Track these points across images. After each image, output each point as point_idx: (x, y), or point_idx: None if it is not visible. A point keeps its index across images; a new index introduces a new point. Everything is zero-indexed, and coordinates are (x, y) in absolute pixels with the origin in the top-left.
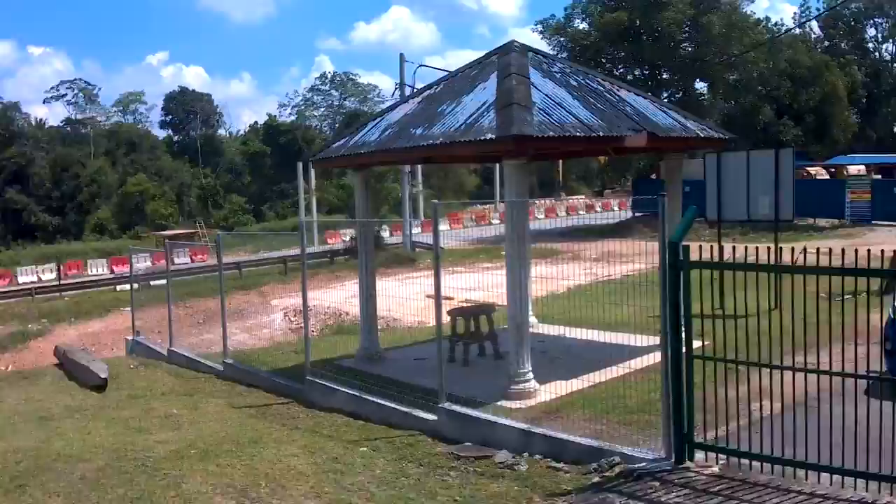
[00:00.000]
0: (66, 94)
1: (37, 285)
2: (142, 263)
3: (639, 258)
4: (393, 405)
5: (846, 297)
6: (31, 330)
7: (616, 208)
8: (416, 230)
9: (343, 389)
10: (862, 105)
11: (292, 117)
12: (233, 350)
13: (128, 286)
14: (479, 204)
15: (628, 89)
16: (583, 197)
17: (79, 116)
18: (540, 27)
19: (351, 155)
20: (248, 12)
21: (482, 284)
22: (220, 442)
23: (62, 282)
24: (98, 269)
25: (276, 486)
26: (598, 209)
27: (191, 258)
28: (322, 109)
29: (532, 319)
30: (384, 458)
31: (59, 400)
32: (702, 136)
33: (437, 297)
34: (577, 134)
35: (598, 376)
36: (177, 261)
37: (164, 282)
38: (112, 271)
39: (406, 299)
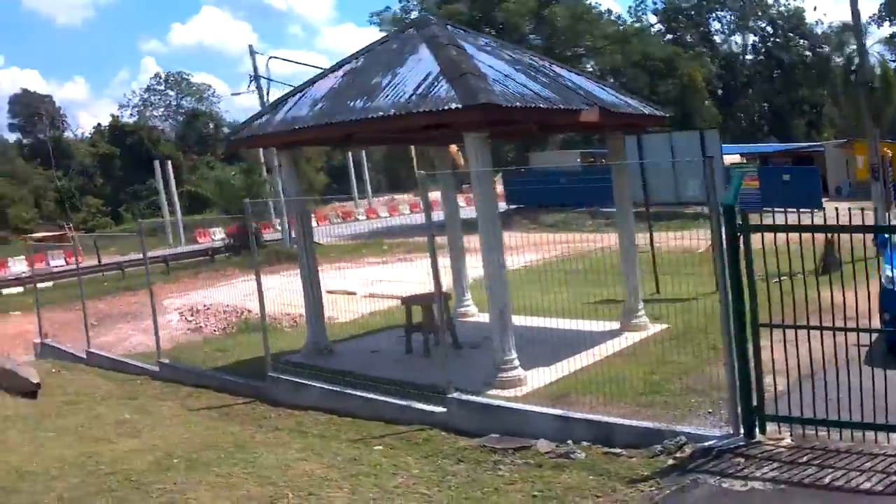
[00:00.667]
0: None
1: None
2: (19, 267)
3: (534, 249)
4: (385, 399)
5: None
6: None
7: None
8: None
9: (318, 385)
10: (719, 96)
11: (133, 118)
12: (134, 353)
13: (13, 290)
14: (338, 200)
15: (559, 65)
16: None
17: None
18: (377, 19)
19: (282, 132)
20: (69, 15)
21: (379, 277)
22: (198, 448)
23: None
24: None
25: (306, 494)
26: (462, 204)
27: (66, 260)
28: (161, 109)
29: (472, 308)
30: (410, 457)
31: None
32: (646, 112)
33: (437, 285)
34: (541, 106)
35: (577, 361)
36: (52, 262)
37: (48, 284)
38: None
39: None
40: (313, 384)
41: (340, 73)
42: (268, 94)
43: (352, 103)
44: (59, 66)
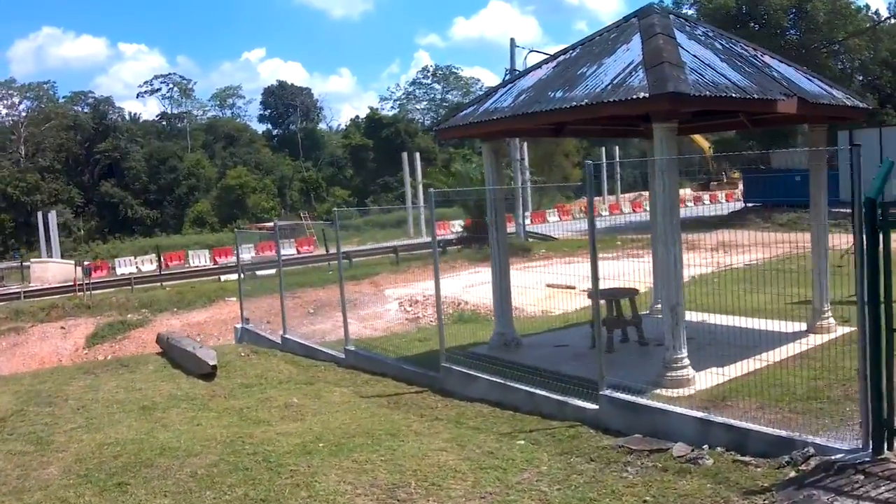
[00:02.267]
0: (160, 89)
1: (136, 275)
2: (245, 254)
3: (759, 248)
4: (545, 393)
5: None
6: (131, 320)
7: (723, 200)
8: (526, 221)
9: (485, 377)
10: None
11: (394, 111)
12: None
13: (232, 276)
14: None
15: (772, 55)
16: (688, 189)
17: (175, 111)
18: None
19: (481, 122)
20: (347, 9)
21: (604, 273)
22: (351, 434)
23: (162, 272)
24: (200, 259)
25: (428, 485)
26: (706, 201)
27: (297, 249)
28: (424, 103)
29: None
30: (547, 453)
31: (163, 389)
32: (848, 104)
33: (595, 282)
34: (733, 95)
35: (752, 363)
36: (282, 252)
37: (270, 272)
38: (215, 262)
39: (526, 288)
40: (481, 376)
41: (553, 63)
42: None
43: (552, 94)
44: (326, 58)
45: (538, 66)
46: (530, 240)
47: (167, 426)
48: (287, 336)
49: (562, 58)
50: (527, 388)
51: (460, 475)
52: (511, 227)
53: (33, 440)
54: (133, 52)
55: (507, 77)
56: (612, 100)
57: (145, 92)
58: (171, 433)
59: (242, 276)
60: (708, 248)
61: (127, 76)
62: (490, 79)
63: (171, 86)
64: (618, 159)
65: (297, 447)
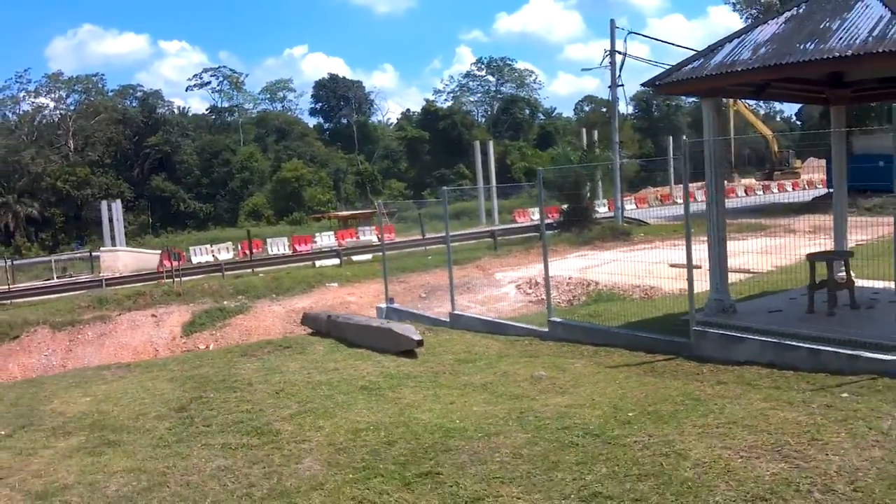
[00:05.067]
0: (209, 83)
1: (224, 262)
2: (326, 241)
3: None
4: (834, 349)
5: None
6: (229, 307)
7: (789, 189)
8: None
9: (755, 338)
10: None
11: (447, 103)
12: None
13: (327, 262)
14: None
15: None
16: (751, 179)
17: (224, 104)
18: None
19: (723, 74)
20: (390, 4)
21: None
22: (650, 402)
23: (252, 258)
24: (279, 248)
25: (807, 439)
26: (774, 190)
27: (376, 236)
28: (478, 95)
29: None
30: (883, 402)
31: (365, 368)
32: None
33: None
34: None
35: None
36: (362, 238)
37: (367, 257)
38: (294, 250)
39: (653, 265)
40: (750, 337)
41: (781, 19)
42: (621, 69)
43: (801, 46)
44: (368, 54)
45: (763, 21)
46: (626, 224)
47: (415, 406)
48: (458, 313)
49: (788, 14)
50: (809, 346)
51: (828, 428)
52: (604, 211)
53: (249, 430)
54: (175, 50)
55: (606, 57)
56: (881, 50)
57: (194, 85)
58: (430, 413)
59: (339, 261)
60: (804, 232)
61: (169, 73)
62: (539, 73)
63: (220, 79)
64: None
65: (606, 419)
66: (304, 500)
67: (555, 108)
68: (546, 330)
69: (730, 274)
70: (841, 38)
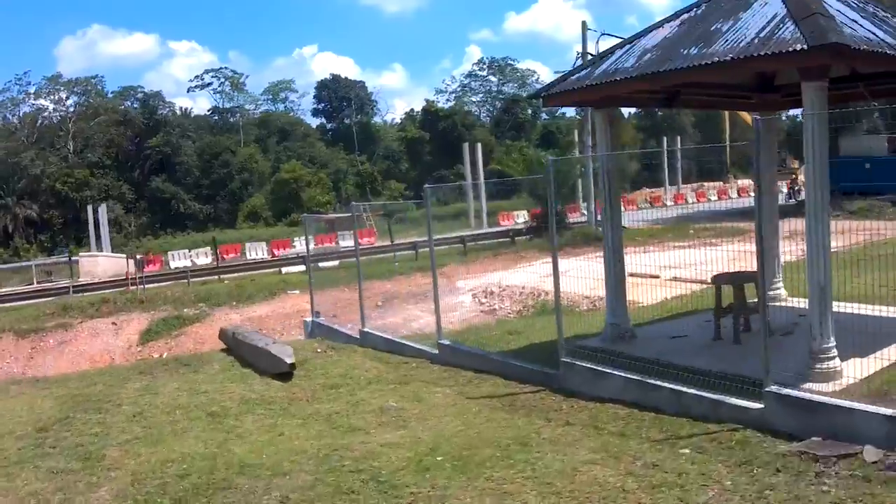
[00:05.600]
0: (211, 83)
1: (191, 269)
2: (301, 246)
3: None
4: (696, 392)
5: None
6: (188, 314)
7: (783, 189)
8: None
9: (620, 374)
10: None
11: (450, 103)
12: (420, 334)
13: (293, 268)
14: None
15: None
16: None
17: (226, 105)
18: None
19: (601, 84)
20: (400, 4)
21: (684, 261)
22: (472, 445)
23: (219, 265)
24: (257, 252)
25: None
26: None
27: (358, 241)
28: (480, 95)
29: (782, 292)
30: (721, 464)
31: (233, 391)
32: None
33: (761, 268)
34: (888, 52)
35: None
36: (342, 243)
37: (333, 263)
38: (272, 255)
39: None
40: (614, 373)
41: (676, 22)
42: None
43: (685, 51)
44: (378, 54)
45: (659, 25)
46: (600, 229)
47: (243, 437)
48: (367, 330)
49: (685, 16)
50: (671, 386)
51: (632, 496)
52: (576, 217)
53: (80, 455)
54: (185, 50)
55: (579, 61)
56: (763, 53)
57: (196, 86)
58: (248, 446)
59: (305, 267)
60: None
61: (178, 72)
62: (546, 73)
63: (222, 80)
64: (679, 152)
65: (410, 462)
66: None
67: (558, 108)
68: (436, 352)
69: (686, 284)
70: (727, 41)
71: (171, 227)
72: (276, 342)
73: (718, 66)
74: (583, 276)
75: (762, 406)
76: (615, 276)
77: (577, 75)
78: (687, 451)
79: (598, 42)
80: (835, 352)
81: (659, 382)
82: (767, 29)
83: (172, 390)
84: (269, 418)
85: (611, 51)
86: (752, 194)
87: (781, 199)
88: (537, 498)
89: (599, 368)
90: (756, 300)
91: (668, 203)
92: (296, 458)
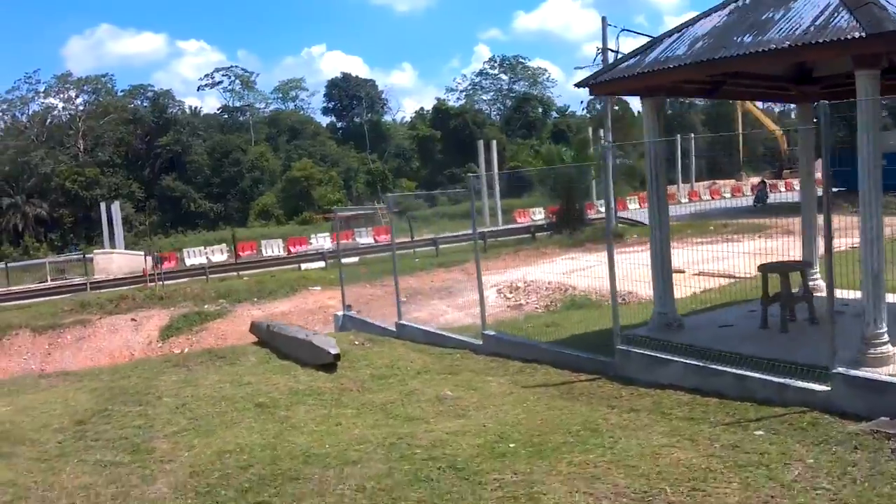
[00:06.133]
0: (221, 82)
1: (209, 265)
2: (321, 243)
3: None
4: (761, 376)
5: None
6: (209, 311)
7: (797, 186)
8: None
9: (680, 360)
10: None
11: (460, 102)
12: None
13: (312, 264)
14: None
15: None
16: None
17: (236, 104)
18: None
19: (653, 72)
20: (409, 3)
21: (707, 257)
22: (542, 432)
23: (237, 262)
24: (273, 249)
25: (689, 490)
26: (782, 189)
27: (374, 238)
28: (491, 94)
29: (820, 282)
30: (799, 444)
31: (278, 383)
32: None
33: (829, 255)
34: None
35: None
36: (359, 241)
37: (353, 259)
38: (288, 252)
39: (636, 269)
40: (674, 359)
41: (725, 11)
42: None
43: (739, 39)
44: (387, 53)
45: (706, 14)
46: (620, 225)
47: (298, 427)
48: (404, 322)
49: (733, 5)
50: (735, 371)
51: (720, 475)
52: (592, 213)
53: (127, 447)
54: (194, 49)
55: (599, 54)
56: (821, 41)
57: (206, 85)
58: (307, 436)
59: (325, 264)
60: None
61: (187, 72)
62: (555, 72)
63: (232, 78)
64: (693, 150)
65: (482, 449)
66: None
67: (568, 107)
68: (480, 343)
69: (712, 279)
70: (781, 29)
71: (181, 226)
72: (316, 333)
73: (774, 53)
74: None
75: (828, 388)
76: (663, 266)
77: (625, 63)
78: (761, 432)
79: (618, 38)
80: (887, 337)
81: (721, 367)
82: (822, 17)
83: (214, 382)
84: (322, 409)
85: (658, 40)
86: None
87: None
88: (626, 480)
89: (657, 355)
90: (798, 289)
91: (683, 200)
92: (361, 448)
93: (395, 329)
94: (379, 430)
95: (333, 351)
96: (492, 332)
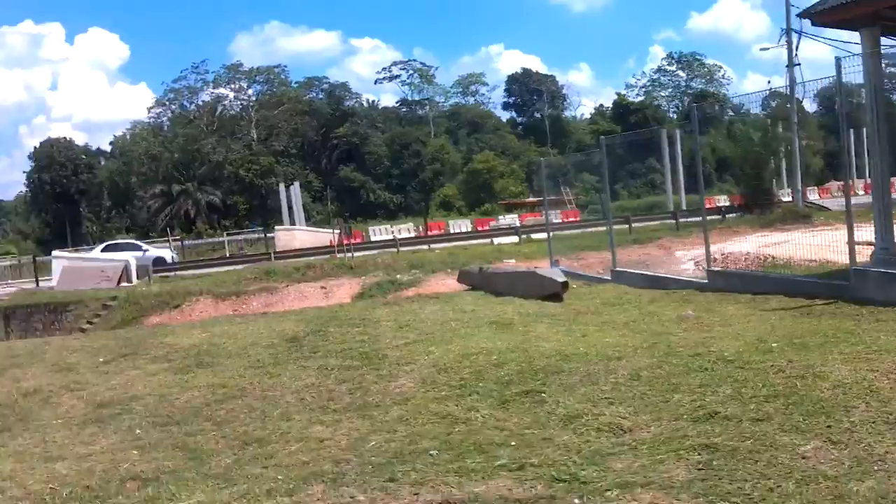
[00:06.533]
0: (399, 76)
1: (400, 239)
2: (506, 221)
3: None
4: None
5: None
6: (401, 279)
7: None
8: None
9: None
10: None
11: (639, 98)
12: None
13: (506, 239)
14: None
15: None
16: None
17: (414, 97)
18: None
19: None
20: (587, 3)
21: None
22: (797, 336)
23: (427, 236)
24: (461, 228)
25: None
26: None
27: (562, 219)
28: (669, 90)
29: None
30: None
31: (505, 309)
32: None
33: None
34: None
35: None
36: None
37: (544, 235)
38: (476, 230)
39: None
40: None
41: None
42: (797, 49)
43: None
44: (564, 52)
45: None
46: (807, 208)
47: (543, 337)
48: (620, 269)
49: None
50: None
51: None
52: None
53: (353, 356)
54: (369, 47)
55: (783, 36)
56: None
57: (384, 78)
58: (555, 343)
59: (517, 239)
60: None
61: (361, 69)
62: (729, 70)
63: (411, 72)
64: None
65: (746, 347)
66: (382, 413)
67: (742, 105)
68: (705, 281)
69: None
70: None
71: (360, 216)
72: (538, 268)
73: None
74: (805, 243)
75: None
76: (883, 201)
77: None
78: None
79: (800, 16)
80: None
81: None
82: None
83: (434, 310)
84: (561, 326)
85: None
86: None
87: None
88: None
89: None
90: None
91: (860, 192)
92: (618, 349)
93: (609, 277)
94: (630, 338)
95: (560, 279)
96: (718, 269)
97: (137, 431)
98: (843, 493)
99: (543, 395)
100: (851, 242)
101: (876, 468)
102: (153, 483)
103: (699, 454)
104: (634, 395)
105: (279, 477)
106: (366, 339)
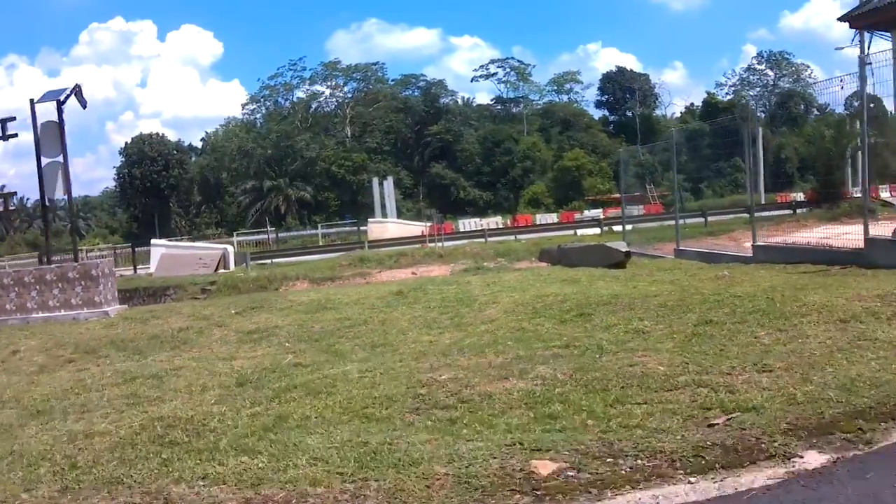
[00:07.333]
0: (496, 73)
1: (488, 229)
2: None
3: None
4: None
5: None
6: (488, 267)
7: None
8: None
9: None
10: None
11: (728, 97)
12: None
13: (588, 230)
14: None
15: None
16: None
17: (510, 95)
18: None
19: None
20: (685, 2)
21: None
22: (801, 286)
23: (514, 227)
24: (547, 220)
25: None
26: None
27: (644, 213)
28: (757, 89)
29: None
30: None
31: (575, 273)
32: None
33: None
34: None
35: None
36: (634, 213)
37: (628, 227)
38: (561, 222)
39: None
40: None
41: None
42: (868, 46)
43: None
44: (660, 51)
45: None
46: (872, 203)
47: (602, 288)
48: (681, 248)
49: None
50: None
51: None
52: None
53: (451, 300)
54: (468, 45)
55: (856, 36)
56: None
57: (481, 76)
58: (610, 290)
59: (600, 230)
60: None
61: (459, 67)
62: (817, 72)
63: (507, 70)
64: None
65: (755, 290)
66: (474, 328)
67: (828, 105)
68: (750, 255)
69: None
70: None
71: (450, 213)
72: (607, 241)
73: None
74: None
75: None
76: None
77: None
78: None
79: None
80: None
81: None
82: None
83: (516, 276)
84: (618, 282)
85: None
86: None
87: None
88: (868, 293)
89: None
90: None
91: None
92: (656, 291)
93: (672, 255)
94: (669, 287)
95: (624, 248)
96: (761, 243)
97: (287, 344)
98: (769, 349)
99: (592, 316)
100: (865, 222)
101: (800, 341)
102: (316, 363)
103: (686, 338)
104: (659, 315)
105: (404, 358)
106: (457, 292)
